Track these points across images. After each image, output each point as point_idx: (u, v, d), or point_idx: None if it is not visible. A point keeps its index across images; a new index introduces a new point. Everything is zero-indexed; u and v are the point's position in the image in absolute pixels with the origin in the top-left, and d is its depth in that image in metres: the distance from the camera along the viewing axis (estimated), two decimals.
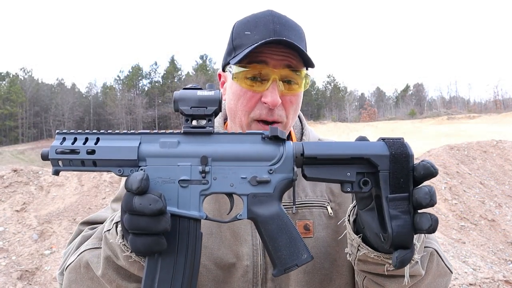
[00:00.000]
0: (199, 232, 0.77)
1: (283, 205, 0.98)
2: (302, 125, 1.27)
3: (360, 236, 0.86)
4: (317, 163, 0.78)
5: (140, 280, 0.83)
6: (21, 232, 7.22)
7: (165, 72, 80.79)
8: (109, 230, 0.88)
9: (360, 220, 0.86)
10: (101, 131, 0.78)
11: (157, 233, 0.70)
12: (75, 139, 0.76)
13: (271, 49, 1.01)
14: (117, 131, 0.79)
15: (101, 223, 1.09)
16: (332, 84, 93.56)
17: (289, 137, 1.21)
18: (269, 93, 1.00)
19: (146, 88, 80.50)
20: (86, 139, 0.77)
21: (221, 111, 0.81)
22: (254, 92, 1.03)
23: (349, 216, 0.93)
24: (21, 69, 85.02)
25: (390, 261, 0.81)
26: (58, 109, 72.60)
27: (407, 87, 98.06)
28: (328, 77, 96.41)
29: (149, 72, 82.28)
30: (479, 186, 9.66)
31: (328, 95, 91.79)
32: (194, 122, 0.80)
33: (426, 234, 0.94)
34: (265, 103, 1.02)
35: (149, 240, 0.70)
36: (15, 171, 8.57)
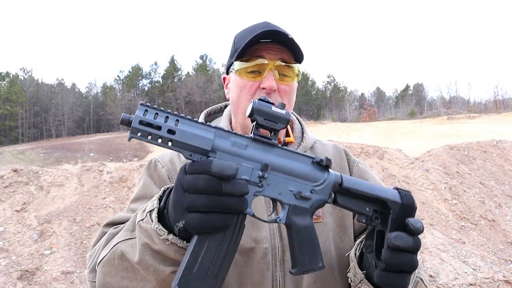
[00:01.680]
0: (243, 225, 0.86)
1: None
2: (302, 127, 1.38)
3: (364, 272, 1.02)
4: (348, 194, 0.95)
5: (176, 264, 0.90)
6: (21, 232, 7.22)
7: (165, 72, 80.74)
8: (143, 219, 0.94)
9: (366, 260, 1.03)
10: (181, 114, 0.83)
11: (239, 212, 0.82)
12: (156, 115, 0.81)
13: (266, 46, 1.20)
14: (195, 119, 0.86)
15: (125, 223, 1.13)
16: (332, 84, 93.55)
17: (287, 134, 1.32)
18: (266, 80, 1.19)
19: (146, 88, 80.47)
20: (167, 118, 0.81)
21: (286, 128, 0.94)
22: (254, 81, 1.20)
23: (355, 250, 1.09)
24: (21, 69, 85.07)
25: None
26: (58, 109, 72.60)
27: (407, 87, 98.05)
28: (328, 77, 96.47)
29: (149, 72, 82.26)
30: (479, 186, 9.66)
31: (328, 95, 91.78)
32: (262, 131, 0.90)
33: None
34: (264, 88, 1.19)
35: (227, 216, 0.80)
36: (15, 171, 8.57)
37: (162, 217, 0.89)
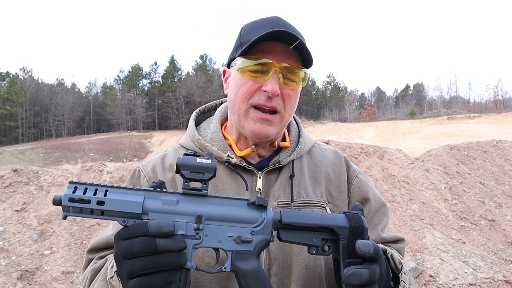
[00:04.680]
0: (188, 279, 0.86)
1: (282, 203, 1.16)
2: (299, 129, 1.33)
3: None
4: (291, 229, 0.94)
5: None
6: (21, 232, 7.22)
7: (165, 72, 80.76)
8: (112, 277, 0.98)
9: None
10: (109, 184, 0.88)
11: (179, 267, 0.83)
12: (86, 190, 0.85)
13: (274, 46, 1.10)
14: (124, 185, 0.89)
15: (107, 248, 1.19)
16: (332, 84, 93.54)
17: (284, 139, 1.27)
18: (269, 83, 1.09)
19: (146, 88, 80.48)
20: (96, 191, 0.85)
21: (215, 177, 0.93)
22: (255, 82, 1.11)
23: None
24: (21, 69, 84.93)
25: None
26: (58, 109, 72.60)
27: (407, 87, 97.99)
28: (328, 77, 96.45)
29: (149, 72, 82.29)
30: (479, 186, 9.66)
31: (328, 95, 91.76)
32: (192, 184, 0.92)
33: (408, 282, 1.08)
34: (265, 91, 1.10)
35: (167, 274, 0.81)
36: (15, 171, 8.56)
37: None
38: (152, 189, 0.89)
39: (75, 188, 0.85)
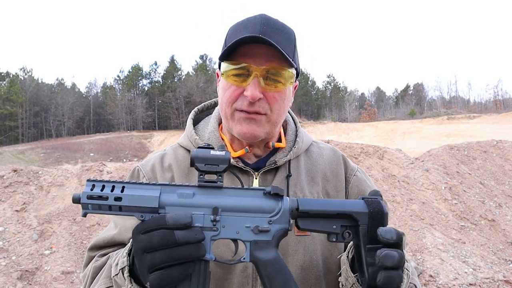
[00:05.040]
0: (208, 271, 0.87)
1: None
2: (296, 128, 1.32)
3: (356, 275, 0.99)
4: (308, 217, 0.93)
5: None
6: (21, 232, 7.22)
7: (165, 72, 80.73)
8: (117, 274, 0.98)
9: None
10: (126, 181, 0.89)
11: (197, 258, 0.83)
12: (103, 187, 0.87)
13: (255, 48, 1.09)
14: (140, 181, 0.91)
15: (108, 246, 1.20)
16: (332, 84, 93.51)
17: (280, 140, 1.26)
18: (249, 88, 1.09)
19: (146, 88, 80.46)
20: (113, 187, 0.87)
21: (230, 168, 0.92)
22: (238, 86, 1.11)
23: (348, 252, 1.05)
24: (21, 69, 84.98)
25: None
26: (58, 109, 72.56)
27: (407, 87, 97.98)
28: (328, 77, 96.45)
29: (149, 72, 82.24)
30: (479, 186, 9.66)
31: (328, 95, 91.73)
32: (207, 177, 0.91)
33: (411, 270, 1.07)
34: (246, 96, 1.10)
35: (187, 266, 0.82)
36: (15, 171, 8.56)
37: (136, 271, 0.91)
38: (167, 183, 0.90)
39: (93, 185, 0.87)
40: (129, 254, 0.95)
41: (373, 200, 0.95)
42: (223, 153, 0.90)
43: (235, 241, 0.91)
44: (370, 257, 0.90)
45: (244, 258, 0.89)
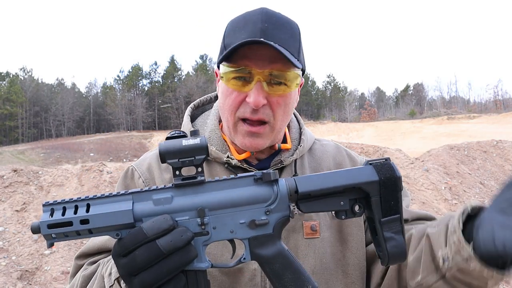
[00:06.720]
0: (206, 280, 0.78)
1: None
2: (300, 126, 1.26)
3: (471, 245, 0.77)
4: (311, 198, 0.80)
5: None
6: (21, 232, 7.22)
7: (165, 72, 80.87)
8: (112, 286, 0.89)
9: (470, 230, 0.79)
10: (90, 196, 0.76)
11: (190, 262, 0.75)
12: (64, 209, 0.74)
13: (257, 49, 0.98)
14: (106, 193, 0.77)
15: (97, 253, 1.10)
16: (332, 84, 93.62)
17: (285, 140, 1.19)
18: (252, 94, 0.99)
19: (146, 88, 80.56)
20: (76, 208, 0.74)
21: (209, 156, 0.81)
22: (240, 92, 1.02)
23: (460, 216, 0.83)
24: (21, 69, 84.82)
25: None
26: (58, 109, 72.66)
27: (407, 87, 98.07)
28: (328, 77, 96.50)
29: (149, 72, 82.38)
30: (479, 186, 9.66)
31: (328, 95, 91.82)
32: (185, 172, 0.78)
33: None
34: (249, 103, 1.00)
35: (179, 278, 0.74)
36: (15, 171, 8.56)
37: None
38: (139, 189, 0.77)
39: (52, 210, 0.74)
40: (117, 278, 0.87)
41: (383, 163, 0.81)
42: (197, 140, 0.76)
43: (231, 241, 0.81)
44: (386, 231, 0.79)
45: (244, 258, 0.80)
